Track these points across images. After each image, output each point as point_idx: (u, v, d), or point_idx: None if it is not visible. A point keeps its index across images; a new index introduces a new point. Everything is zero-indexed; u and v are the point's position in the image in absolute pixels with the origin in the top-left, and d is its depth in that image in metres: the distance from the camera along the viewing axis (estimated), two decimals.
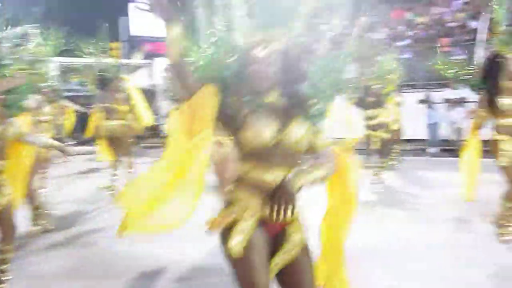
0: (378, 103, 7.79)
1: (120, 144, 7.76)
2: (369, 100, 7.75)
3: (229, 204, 2.36)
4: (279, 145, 2.29)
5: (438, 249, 4.92)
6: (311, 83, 2.43)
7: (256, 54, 2.26)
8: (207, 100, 2.23)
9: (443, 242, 5.17)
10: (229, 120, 2.30)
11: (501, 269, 4.29)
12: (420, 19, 16.34)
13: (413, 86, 12.91)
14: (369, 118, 7.84)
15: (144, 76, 17.82)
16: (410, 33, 15.38)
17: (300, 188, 2.26)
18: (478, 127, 4.88)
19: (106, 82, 7.82)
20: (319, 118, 2.42)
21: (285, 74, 2.33)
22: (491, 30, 6.26)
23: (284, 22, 2.30)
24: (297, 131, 2.32)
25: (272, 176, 2.28)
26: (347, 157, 2.57)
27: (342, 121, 7.63)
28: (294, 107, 2.36)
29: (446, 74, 5.33)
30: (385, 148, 8.07)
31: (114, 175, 7.65)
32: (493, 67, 4.47)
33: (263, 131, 2.26)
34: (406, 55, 13.26)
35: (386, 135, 7.92)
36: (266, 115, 2.30)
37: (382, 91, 7.84)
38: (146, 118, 8.50)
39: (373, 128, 7.85)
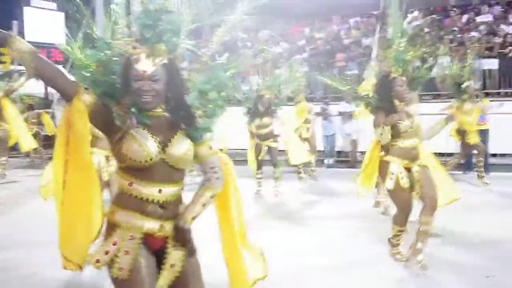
0: (268, 113, 7.91)
1: None
2: (260, 109, 7.85)
3: (108, 231, 2.29)
4: (162, 160, 2.24)
5: (330, 256, 5.03)
6: (195, 95, 2.39)
7: (142, 69, 2.17)
8: (82, 109, 2.15)
9: (336, 249, 5.31)
10: (109, 130, 2.24)
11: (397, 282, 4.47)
12: (318, 35, 16.93)
13: (310, 99, 13.28)
14: (259, 127, 7.93)
15: (38, 83, 16.89)
16: (308, 47, 15.86)
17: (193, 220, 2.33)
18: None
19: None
20: (205, 130, 2.38)
21: (170, 88, 2.27)
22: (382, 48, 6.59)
23: (166, 37, 2.23)
24: (181, 146, 2.28)
25: (155, 191, 2.24)
26: (227, 167, 2.63)
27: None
28: (178, 121, 2.31)
29: (340, 89, 5.35)
30: (275, 157, 8.17)
31: None
32: (385, 85, 4.48)
33: (145, 145, 2.19)
34: (304, 69, 13.65)
35: (274, 145, 8.08)
36: (149, 129, 2.24)
37: (273, 101, 7.98)
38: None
39: (262, 137, 7.97)
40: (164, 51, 2.23)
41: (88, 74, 2.33)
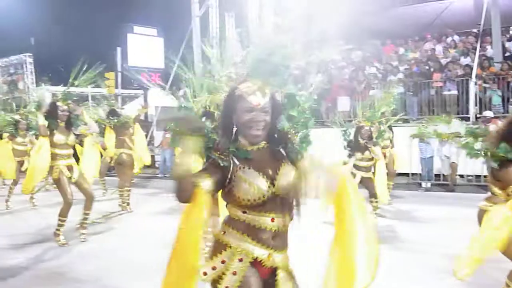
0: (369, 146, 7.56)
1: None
2: (361, 142, 7.55)
3: (216, 248, 2.32)
4: (273, 193, 2.25)
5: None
6: (284, 120, 2.44)
7: (255, 100, 2.23)
8: (202, 203, 2.17)
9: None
10: (222, 182, 2.25)
11: None
12: (412, 54, 16.55)
13: (406, 121, 13.01)
14: (360, 160, 7.58)
15: (138, 106, 18.04)
16: (402, 67, 15.56)
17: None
18: None
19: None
20: (305, 143, 2.44)
21: (274, 120, 2.32)
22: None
23: (279, 72, 2.30)
24: (288, 176, 2.29)
25: (268, 220, 2.26)
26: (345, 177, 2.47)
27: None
28: (277, 148, 2.35)
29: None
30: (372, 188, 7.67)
31: None
32: None
33: (255, 184, 2.22)
34: (399, 90, 13.37)
35: (369, 175, 7.69)
36: (255, 165, 2.26)
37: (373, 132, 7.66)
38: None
39: (364, 169, 7.58)
40: (273, 85, 2.29)
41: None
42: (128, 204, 9.21)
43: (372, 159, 7.62)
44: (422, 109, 14.14)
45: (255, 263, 2.28)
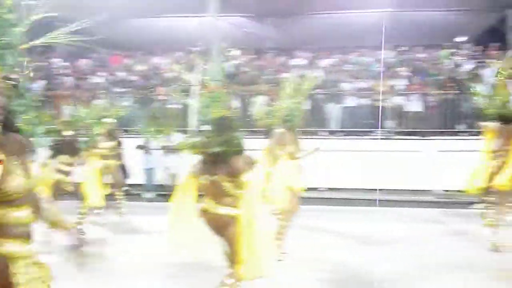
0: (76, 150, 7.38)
1: None
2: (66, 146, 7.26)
3: None
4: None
5: None
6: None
7: None
8: None
9: None
10: None
11: None
12: (139, 67, 16.77)
13: (130, 132, 13.03)
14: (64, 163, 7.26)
15: None
16: (129, 79, 15.65)
17: None
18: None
19: None
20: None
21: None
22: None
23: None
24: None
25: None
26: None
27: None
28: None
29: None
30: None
31: None
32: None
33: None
34: (125, 102, 13.42)
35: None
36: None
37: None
38: None
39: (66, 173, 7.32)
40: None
41: None
42: None
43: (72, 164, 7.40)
44: (148, 121, 14.35)
45: None
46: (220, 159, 4.16)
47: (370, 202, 10.66)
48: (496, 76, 7.47)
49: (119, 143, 9.57)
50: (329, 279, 5.80)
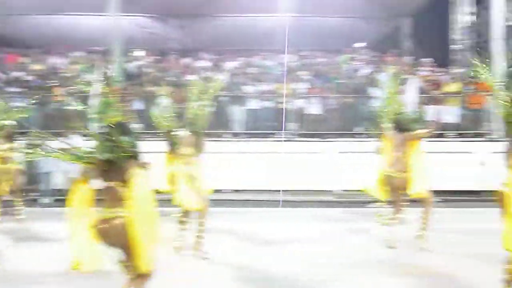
0: None
1: None
2: None
3: None
4: None
5: None
6: None
7: None
8: None
9: None
10: None
11: None
12: (36, 66, 16.01)
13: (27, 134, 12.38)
14: None
15: None
16: (24, 79, 14.90)
17: None
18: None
19: None
20: None
21: None
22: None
23: None
24: None
25: None
26: None
27: None
28: None
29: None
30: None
31: None
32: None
33: None
34: (19, 103, 12.73)
35: None
36: None
37: None
38: None
39: None
40: None
41: None
42: None
43: None
44: (46, 123, 13.73)
45: None
46: (113, 165, 4.07)
47: (274, 203, 10.85)
48: (390, 82, 7.85)
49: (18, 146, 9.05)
50: (232, 279, 5.85)
